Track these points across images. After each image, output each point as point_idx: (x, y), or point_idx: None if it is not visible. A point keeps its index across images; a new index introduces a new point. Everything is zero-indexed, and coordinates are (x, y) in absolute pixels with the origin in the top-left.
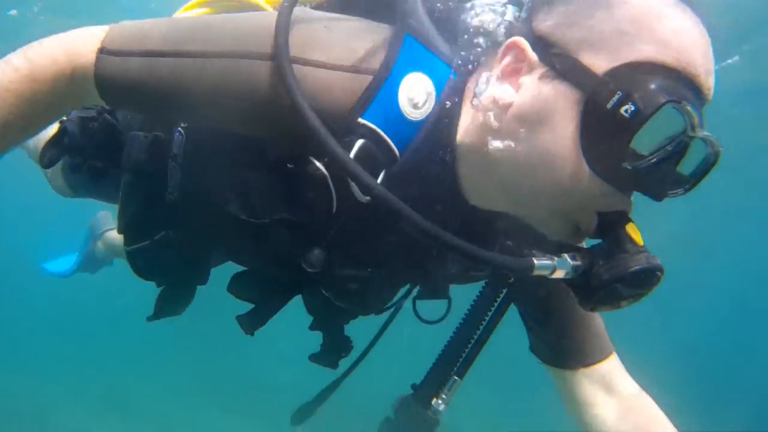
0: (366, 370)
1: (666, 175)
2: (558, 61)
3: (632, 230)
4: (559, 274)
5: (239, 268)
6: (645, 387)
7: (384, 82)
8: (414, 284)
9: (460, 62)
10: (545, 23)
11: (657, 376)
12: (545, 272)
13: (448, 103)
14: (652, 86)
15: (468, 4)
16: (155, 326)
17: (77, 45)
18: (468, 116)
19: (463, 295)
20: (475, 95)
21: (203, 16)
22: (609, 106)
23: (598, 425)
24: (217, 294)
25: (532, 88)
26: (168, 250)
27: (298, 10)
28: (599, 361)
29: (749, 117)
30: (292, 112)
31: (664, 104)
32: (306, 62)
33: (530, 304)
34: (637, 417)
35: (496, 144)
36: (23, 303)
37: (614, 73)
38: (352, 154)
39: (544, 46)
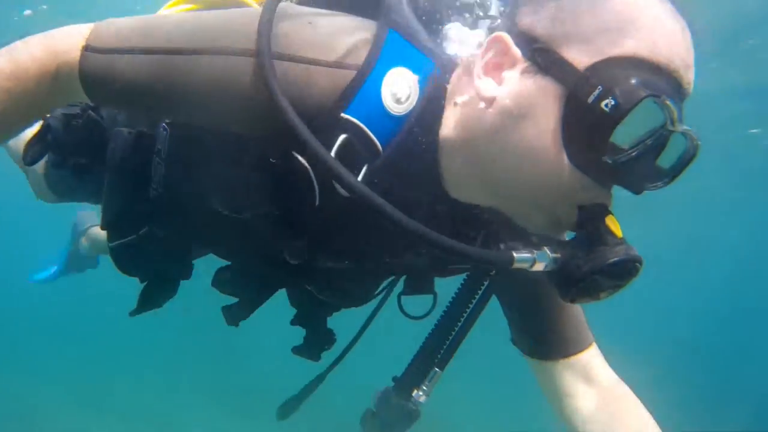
0: (348, 363)
1: (646, 168)
2: (540, 55)
3: (612, 223)
4: (539, 266)
5: (223, 262)
6: (645, 387)
7: (367, 77)
8: (397, 277)
9: (443, 57)
10: (528, 18)
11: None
12: (525, 265)
13: (431, 97)
14: (632, 81)
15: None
16: (155, 326)
17: (62, 43)
18: (451, 111)
19: (446, 287)
20: (458, 90)
21: (188, 12)
22: (590, 100)
23: (577, 415)
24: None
25: (515, 83)
26: (151, 246)
27: (283, 6)
28: (579, 351)
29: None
30: (273, 109)
31: (643, 98)
32: (289, 58)
33: (511, 295)
34: (615, 407)
35: (478, 138)
36: (20, 303)
37: (595, 68)
38: (334, 149)
39: (526, 41)
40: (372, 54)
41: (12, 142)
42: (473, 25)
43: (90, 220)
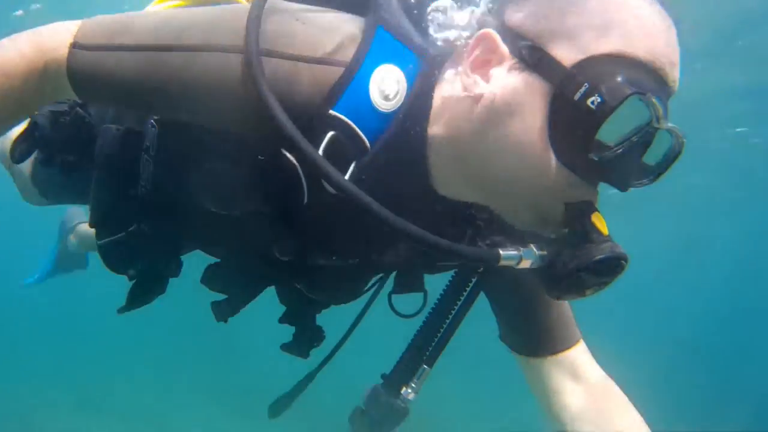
0: (341, 361)
1: (631, 165)
2: (527, 53)
3: (598, 220)
4: (526, 264)
5: (213, 259)
6: (645, 387)
7: (355, 74)
8: (386, 274)
9: (432, 54)
10: (516, 15)
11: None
12: (512, 262)
13: (419, 94)
14: (618, 78)
15: None
16: (154, 327)
17: (50, 40)
18: (439, 107)
19: (437, 284)
20: (446, 87)
21: (176, 9)
22: (576, 97)
23: (564, 412)
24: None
25: (502, 80)
26: (140, 244)
27: (272, 2)
28: (566, 348)
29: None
30: (260, 106)
31: (629, 96)
32: (277, 54)
33: (499, 292)
34: (602, 404)
35: (465, 135)
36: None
37: (582, 65)
38: (322, 147)
39: (514, 38)
40: (360, 51)
41: None
42: (461, 22)
43: (78, 217)
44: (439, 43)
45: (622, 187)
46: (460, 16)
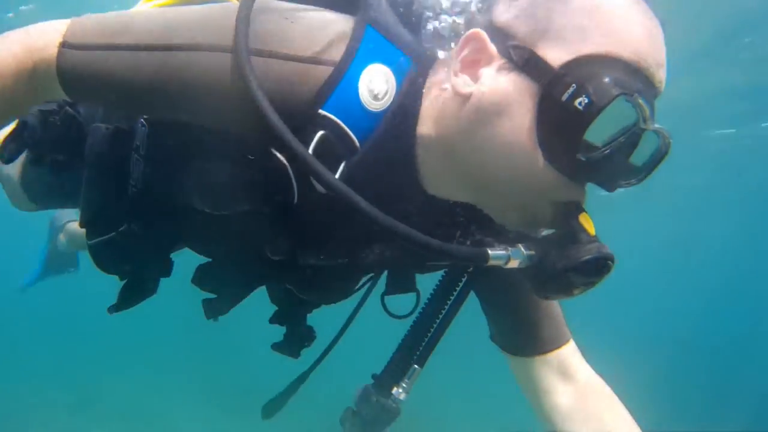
0: (331, 361)
1: (619, 166)
2: (516, 53)
3: (585, 220)
4: (514, 263)
5: (204, 258)
6: (645, 387)
7: (344, 74)
8: (377, 274)
9: (421, 53)
10: (504, 16)
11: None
12: (500, 262)
13: (408, 94)
14: (606, 79)
15: None
16: (152, 326)
17: (39, 39)
18: (428, 107)
19: (429, 284)
20: (435, 86)
21: (166, 7)
22: (564, 98)
23: (554, 412)
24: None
25: (491, 80)
26: (131, 244)
27: (261, 1)
28: (556, 348)
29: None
30: (250, 105)
31: (616, 97)
32: (266, 54)
33: (489, 292)
34: (592, 403)
35: (454, 134)
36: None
37: (569, 65)
38: (311, 146)
39: (502, 38)
40: (349, 50)
41: None
42: (451, 22)
43: (67, 216)
44: (429, 42)
45: (610, 188)
46: (450, 16)
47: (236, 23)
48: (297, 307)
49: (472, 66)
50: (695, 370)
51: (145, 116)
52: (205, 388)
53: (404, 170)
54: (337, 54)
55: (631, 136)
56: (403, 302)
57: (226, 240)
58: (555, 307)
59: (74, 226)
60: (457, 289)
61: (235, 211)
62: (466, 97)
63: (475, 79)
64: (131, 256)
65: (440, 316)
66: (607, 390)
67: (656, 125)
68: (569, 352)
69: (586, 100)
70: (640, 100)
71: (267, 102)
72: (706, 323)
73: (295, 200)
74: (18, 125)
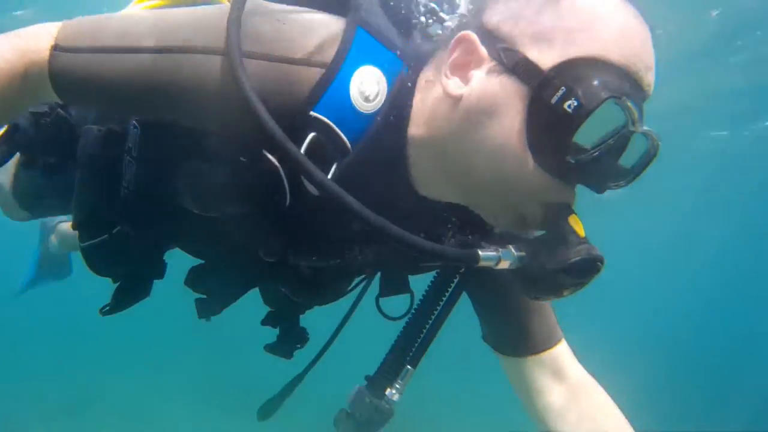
0: (327, 362)
1: (608, 168)
2: (506, 55)
3: (575, 222)
4: (504, 264)
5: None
6: (646, 387)
7: (335, 75)
8: (370, 275)
9: (412, 55)
10: (494, 18)
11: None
12: (490, 263)
13: (399, 95)
14: (595, 82)
15: None
16: (151, 327)
17: (30, 42)
18: (419, 109)
19: (422, 284)
20: (426, 88)
21: (157, 10)
22: (553, 101)
23: (547, 412)
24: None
25: (481, 82)
26: (124, 246)
27: (252, 3)
28: (548, 348)
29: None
30: (243, 106)
31: (605, 100)
32: (258, 56)
33: (481, 293)
34: (584, 403)
35: (445, 136)
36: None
37: (559, 68)
38: (303, 148)
39: (492, 40)
40: (340, 52)
41: None
42: (442, 24)
43: (59, 217)
44: (420, 44)
45: (599, 189)
46: (441, 18)
47: (228, 25)
48: (290, 309)
49: (462, 68)
50: (695, 370)
51: (137, 118)
52: (204, 388)
53: (395, 171)
54: (328, 56)
55: (620, 139)
56: (398, 304)
57: (218, 242)
58: (547, 307)
59: (66, 227)
60: (449, 290)
61: (227, 212)
62: (456, 99)
63: (466, 81)
64: (124, 258)
65: (432, 317)
66: (599, 389)
67: (645, 128)
68: (561, 352)
69: (576, 103)
70: (629, 103)
71: (260, 103)
72: (706, 323)
73: (287, 202)
74: (9, 127)
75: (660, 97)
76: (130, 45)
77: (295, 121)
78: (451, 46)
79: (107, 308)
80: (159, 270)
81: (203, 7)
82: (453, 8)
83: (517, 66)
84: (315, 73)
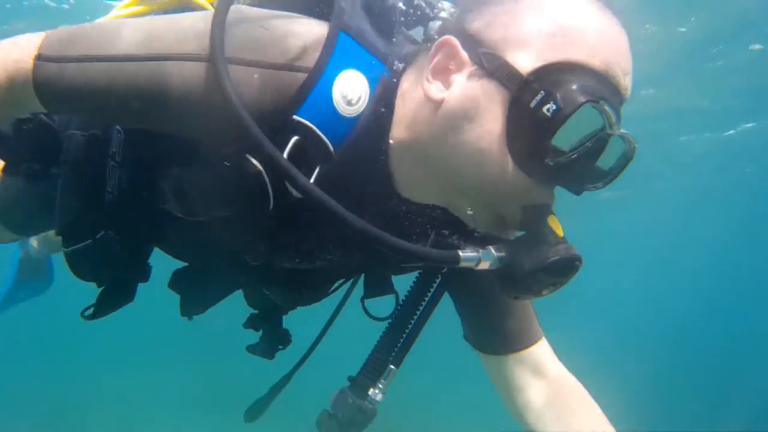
0: (314, 366)
1: (586, 170)
2: (486, 59)
3: (553, 222)
4: (485, 265)
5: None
6: (645, 388)
7: (318, 80)
8: (355, 277)
9: (394, 59)
10: (475, 23)
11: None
12: (471, 264)
13: (381, 99)
14: (573, 86)
15: (404, 2)
16: (156, 335)
17: (13, 52)
18: (401, 112)
19: (406, 285)
20: (408, 92)
21: (139, 18)
22: (532, 105)
23: (527, 408)
24: (228, 303)
25: (462, 86)
26: (108, 250)
27: (235, 9)
28: (528, 346)
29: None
30: (227, 112)
31: (582, 104)
32: (241, 62)
33: (462, 292)
34: (564, 400)
35: (426, 139)
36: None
37: (538, 73)
38: (286, 152)
39: (473, 44)
40: (323, 57)
41: None
42: (424, 28)
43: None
44: (402, 48)
45: (577, 191)
46: (422, 22)
47: (211, 31)
48: (273, 310)
49: (444, 72)
50: (695, 370)
51: (122, 126)
52: (191, 390)
53: (378, 174)
54: (311, 60)
55: (598, 142)
56: (384, 305)
57: (202, 245)
58: (527, 306)
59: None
60: (432, 290)
61: (211, 216)
62: (438, 103)
63: (447, 85)
64: (108, 263)
65: (415, 317)
66: (579, 387)
67: (622, 130)
68: (541, 350)
69: (554, 107)
70: (606, 107)
71: (243, 109)
72: (706, 323)
73: (271, 205)
74: None
75: (661, 97)
76: (113, 53)
77: (278, 125)
78: (432, 50)
79: (90, 312)
80: (143, 274)
81: (186, 14)
82: (435, 12)
83: (497, 70)
84: (298, 78)
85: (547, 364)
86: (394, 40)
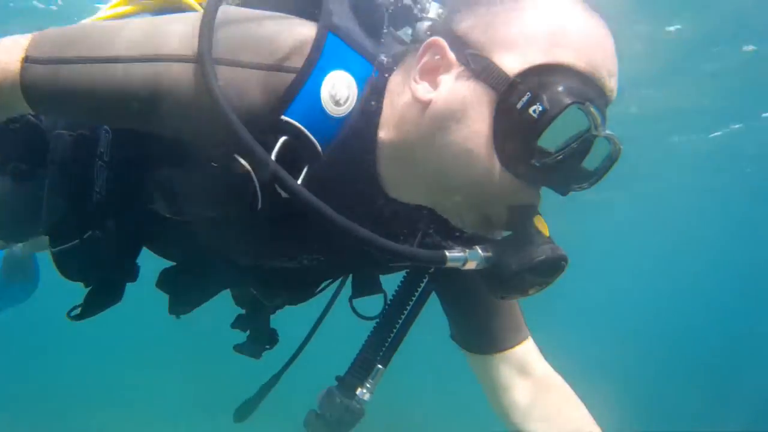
0: (303, 366)
1: (572, 170)
2: (474, 61)
3: (539, 222)
4: (471, 265)
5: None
6: (645, 388)
7: (306, 80)
8: (343, 277)
9: (382, 60)
10: (463, 24)
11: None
12: (458, 264)
13: (369, 100)
14: (559, 88)
15: (392, 2)
16: (159, 337)
17: (1, 55)
18: (389, 113)
19: (394, 284)
20: (395, 92)
21: (128, 19)
22: (519, 106)
23: (512, 408)
24: (221, 303)
25: (450, 87)
26: (95, 250)
27: (223, 10)
28: (514, 345)
29: None
30: (215, 112)
31: (568, 105)
32: (230, 63)
33: (449, 292)
34: (550, 399)
35: (414, 140)
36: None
37: (525, 74)
38: (274, 152)
39: (461, 45)
40: (311, 57)
41: None
42: (412, 29)
43: None
44: (390, 48)
45: (563, 191)
46: (411, 24)
47: (199, 32)
48: (260, 309)
49: (431, 73)
50: (695, 370)
51: (111, 126)
52: (183, 390)
53: (365, 174)
54: (299, 61)
55: (584, 143)
56: (373, 305)
57: (190, 244)
58: (513, 306)
59: None
60: (419, 289)
61: (199, 217)
62: (425, 104)
63: (435, 85)
64: (96, 263)
65: (403, 316)
66: (565, 386)
67: (607, 132)
68: (527, 350)
69: (540, 108)
70: (592, 109)
71: (231, 110)
72: (706, 323)
73: (259, 205)
74: None
75: (659, 97)
76: (101, 55)
77: (267, 126)
78: (420, 51)
79: (76, 312)
80: (131, 274)
81: (175, 15)
82: (423, 13)
83: (484, 71)
84: (286, 78)
85: (533, 363)
86: (382, 40)
